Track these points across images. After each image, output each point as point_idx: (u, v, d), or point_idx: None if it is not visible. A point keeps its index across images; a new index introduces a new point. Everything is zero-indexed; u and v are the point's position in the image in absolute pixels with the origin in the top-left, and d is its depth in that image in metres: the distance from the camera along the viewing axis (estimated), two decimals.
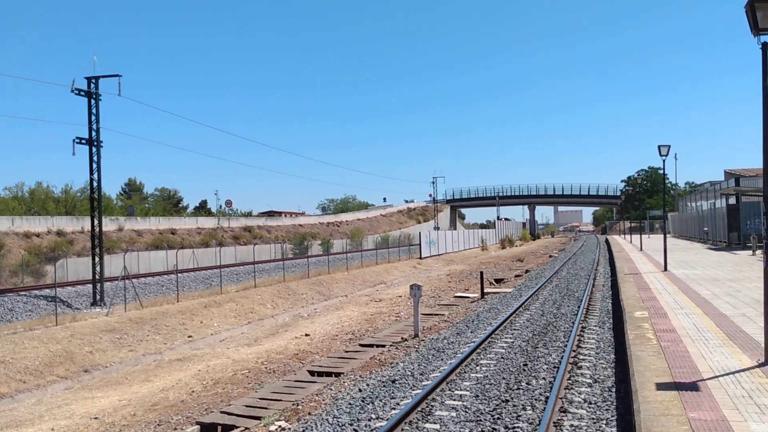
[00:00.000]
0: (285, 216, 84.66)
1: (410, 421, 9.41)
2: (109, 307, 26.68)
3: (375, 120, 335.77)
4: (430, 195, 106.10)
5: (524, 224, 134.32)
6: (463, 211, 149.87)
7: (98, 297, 28.45)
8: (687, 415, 7.38)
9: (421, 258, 61.08)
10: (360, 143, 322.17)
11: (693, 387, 8.57)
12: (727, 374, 9.20)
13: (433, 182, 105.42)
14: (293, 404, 11.83)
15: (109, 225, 45.28)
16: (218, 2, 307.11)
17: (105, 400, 15.77)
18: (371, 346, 18.10)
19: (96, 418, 13.72)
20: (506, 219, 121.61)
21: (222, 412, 12.05)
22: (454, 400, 10.49)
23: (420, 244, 63.30)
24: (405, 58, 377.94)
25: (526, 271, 41.12)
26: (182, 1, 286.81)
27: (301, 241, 63.01)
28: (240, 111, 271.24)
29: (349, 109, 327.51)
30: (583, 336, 15.75)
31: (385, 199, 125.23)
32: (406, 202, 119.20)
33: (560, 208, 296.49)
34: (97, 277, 28.73)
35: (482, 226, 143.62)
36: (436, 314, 23.69)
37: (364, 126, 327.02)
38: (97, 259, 28.99)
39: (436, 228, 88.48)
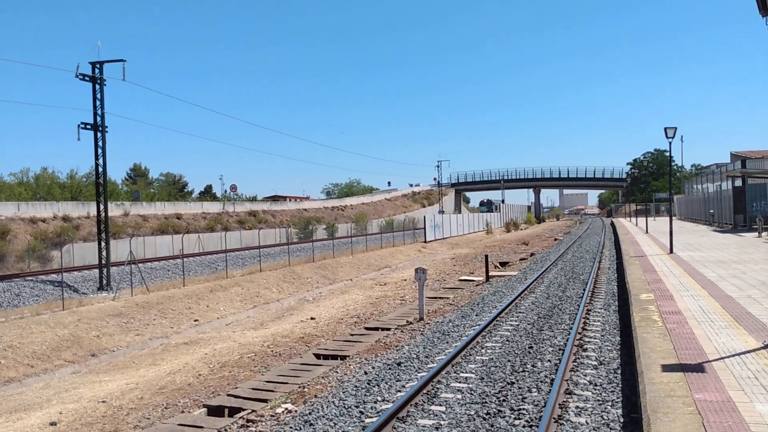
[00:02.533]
0: (290, 200, 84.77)
1: (416, 404, 9.44)
2: (116, 292, 26.79)
3: (379, 104, 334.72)
4: (435, 179, 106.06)
5: (529, 207, 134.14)
6: (468, 194, 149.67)
7: (105, 282, 28.56)
8: (693, 397, 7.39)
9: (425, 242, 61.08)
10: (364, 127, 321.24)
11: (699, 368, 8.58)
12: (733, 356, 9.20)
13: (438, 166, 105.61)
14: (299, 387, 11.90)
15: (114, 210, 45.35)
16: None
17: (112, 384, 15.87)
18: (376, 329, 18.18)
19: (104, 402, 13.82)
20: (488, 200, 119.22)
21: (229, 395, 12.13)
22: (460, 382, 10.52)
23: (425, 228, 63.27)
24: (408, 41, 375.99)
25: (531, 255, 41.12)
26: None
27: (306, 226, 63.02)
28: (244, 96, 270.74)
29: (353, 93, 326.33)
30: (588, 318, 15.76)
31: (389, 183, 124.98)
32: (411, 185, 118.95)
33: (565, 191, 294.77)
34: (103, 261, 28.81)
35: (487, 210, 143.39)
36: (441, 297, 23.74)
37: (368, 110, 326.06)
38: (103, 244, 29.05)
39: (441, 212, 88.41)
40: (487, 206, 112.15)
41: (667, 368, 8.68)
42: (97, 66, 28.46)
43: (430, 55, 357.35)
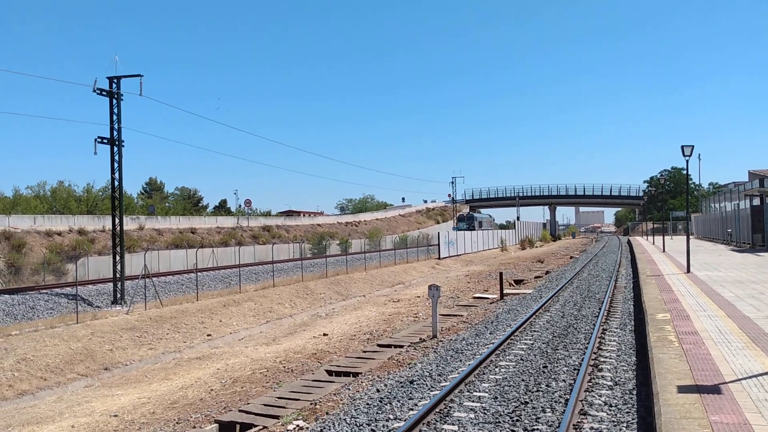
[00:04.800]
0: (304, 216, 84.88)
1: (428, 422, 9.36)
2: (130, 306, 26.87)
3: (394, 120, 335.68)
4: (449, 195, 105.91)
5: (545, 225, 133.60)
6: (483, 211, 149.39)
7: (119, 295, 28.66)
8: (708, 419, 7.27)
9: (439, 258, 60.92)
10: (379, 143, 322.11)
11: (715, 390, 8.44)
12: (750, 377, 9.06)
13: (452, 182, 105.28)
14: (311, 404, 11.83)
15: (130, 224, 45.64)
16: (238, 6, 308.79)
17: (125, 398, 15.87)
18: (389, 346, 18.06)
19: (116, 416, 13.81)
20: (469, 214, 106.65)
21: (240, 411, 12.08)
22: (473, 401, 10.42)
23: (439, 245, 63.11)
24: (423, 58, 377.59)
25: (547, 273, 40.86)
26: (204, 4, 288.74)
27: (320, 241, 63.15)
28: (259, 111, 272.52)
29: (367, 110, 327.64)
30: (604, 338, 15.60)
31: (403, 199, 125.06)
32: (425, 202, 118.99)
33: (581, 209, 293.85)
34: (117, 275, 28.93)
35: (501, 227, 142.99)
36: (454, 315, 23.59)
37: (382, 126, 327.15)
38: (117, 257, 29.19)
39: (455, 228, 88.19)
40: (467, 222, 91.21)
41: (682, 389, 8.56)
42: (115, 81, 28.74)
43: (445, 73, 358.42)
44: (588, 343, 14.71)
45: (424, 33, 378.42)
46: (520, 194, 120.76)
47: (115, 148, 28.98)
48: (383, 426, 9.49)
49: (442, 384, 11.85)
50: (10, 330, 21.34)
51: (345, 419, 9.95)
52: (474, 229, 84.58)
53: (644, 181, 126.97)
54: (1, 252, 35.11)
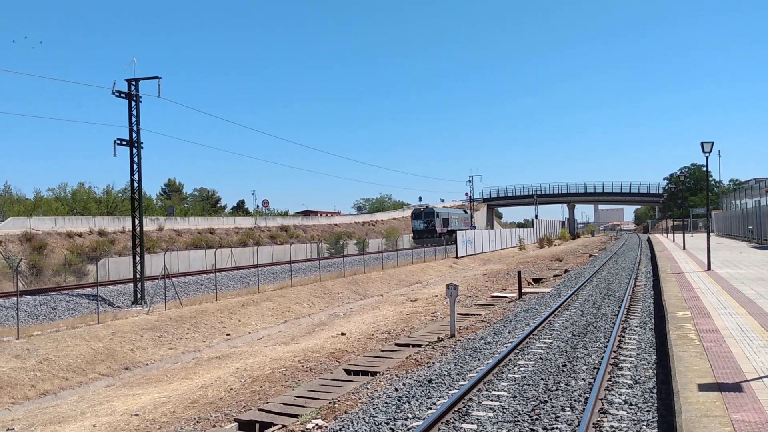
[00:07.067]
0: (321, 215, 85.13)
1: (447, 421, 9.35)
2: (150, 306, 27.07)
3: (411, 119, 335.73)
4: (467, 194, 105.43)
5: (563, 223, 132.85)
6: (501, 210, 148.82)
7: (139, 296, 28.89)
8: (730, 417, 7.21)
9: (457, 257, 60.76)
10: (396, 142, 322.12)
11: (736, 388, 8.37)
12: None
13: (470, 181, 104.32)
14: (330, 403, 11.85)
15: (149, 225, 46.02)
16: (256, 8, 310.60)
17: (145, 397, 15.99)
18: (407, 345, 18.06)
19: (137, 415, 13.91)
20: (426, 207, 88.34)
21: (260, 410, 12.13)
22: (492, 400, 10.40)
23: (456, 243, 62.95)
24: (439, 57, 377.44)
25: (566, 271, 40.63)
26: (222, 7, 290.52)
27: (337, 241, 63.29)
28: (277, 113, 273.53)
29: (385, 109, 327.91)
30: (624, 337, 15.50)
31: (420, 198, 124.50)
32: (442, 201, 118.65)
33: (600, 207, 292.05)
34: (137, 276, 29.16)
35: (520, 225, 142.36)
36: (472, 314, 23.54)
37: (400, 125, 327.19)
38: (137, 258, 29.41)
39: (473, 227, 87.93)
40: (425, 219, 73.91)
41: (703, 387, 8.48)
42: (133, 83, 28.95)
43: (463, 71, 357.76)
44: (608, 342, 14.63)
45: (442, 31, 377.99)
46: (539, 192, 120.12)
47: (134, 150, 29.21)
48: (402, 425, 9.50)
49: (460, 383, 11.83)
50: (33, 330, 21.58)
51: (364, 418, 9.97)
52: (434, 227, 72.59)
53: (664, 179, 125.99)
54: (23, 253, 35.52)
